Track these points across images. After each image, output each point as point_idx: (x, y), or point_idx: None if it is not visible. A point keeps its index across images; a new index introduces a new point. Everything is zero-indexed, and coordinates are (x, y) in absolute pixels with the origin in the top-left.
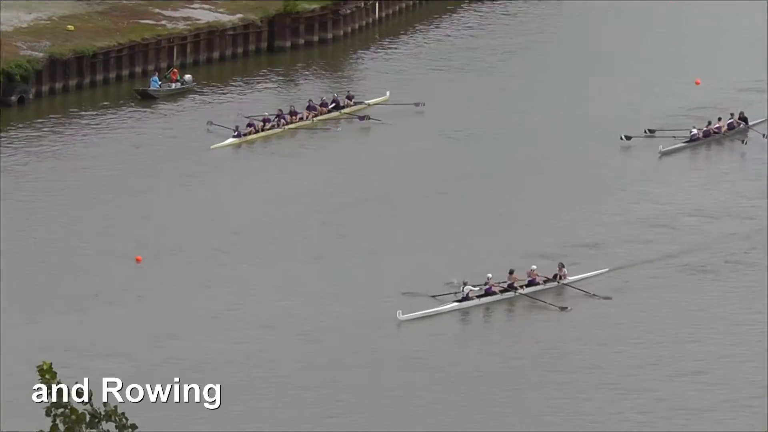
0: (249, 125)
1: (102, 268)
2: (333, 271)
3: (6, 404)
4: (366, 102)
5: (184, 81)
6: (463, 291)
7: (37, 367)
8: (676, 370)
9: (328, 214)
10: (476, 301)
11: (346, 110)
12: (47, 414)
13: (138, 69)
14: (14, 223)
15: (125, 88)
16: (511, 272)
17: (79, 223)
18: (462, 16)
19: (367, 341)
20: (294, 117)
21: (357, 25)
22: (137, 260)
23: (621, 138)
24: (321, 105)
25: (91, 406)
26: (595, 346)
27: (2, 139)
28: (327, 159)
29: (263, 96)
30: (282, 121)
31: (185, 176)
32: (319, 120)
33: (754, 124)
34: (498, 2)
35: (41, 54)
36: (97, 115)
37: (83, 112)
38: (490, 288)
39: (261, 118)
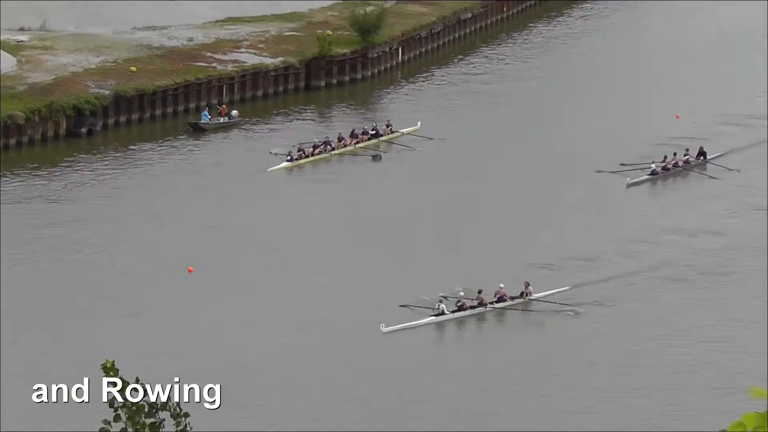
0: (299, 150)
1: (158, 277)
2: (334, 284)
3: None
4: (401, 131)
5: (232, 116)
6: (438, 308)
7: (101, 364)
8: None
9: (358, 232)
10: (450, 316)
11: (384, 138)
12: (110, 405)
13: (191, 105)
14: (88, 237)
15: (180, 122)
16: (479, 291)
17: (141, 237)
18: (472, 60)
19: (354, 347)
20: (339, 143)
21: (383, 67)
22: (189, 270)
23: (596, 171)
24: (362, 133)
25: (148, 397)
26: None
27: (74, 166)
28: (363, 182)
29: (301, 128)
30: (329, 147)
31: (239, 196)
32: (360, 147)
33: (712, 158)
34: (503, 46)
35: (107, 92)
36: (155, 144)
37: (144, 142)
38: (463, 304)
39: (311, 144)
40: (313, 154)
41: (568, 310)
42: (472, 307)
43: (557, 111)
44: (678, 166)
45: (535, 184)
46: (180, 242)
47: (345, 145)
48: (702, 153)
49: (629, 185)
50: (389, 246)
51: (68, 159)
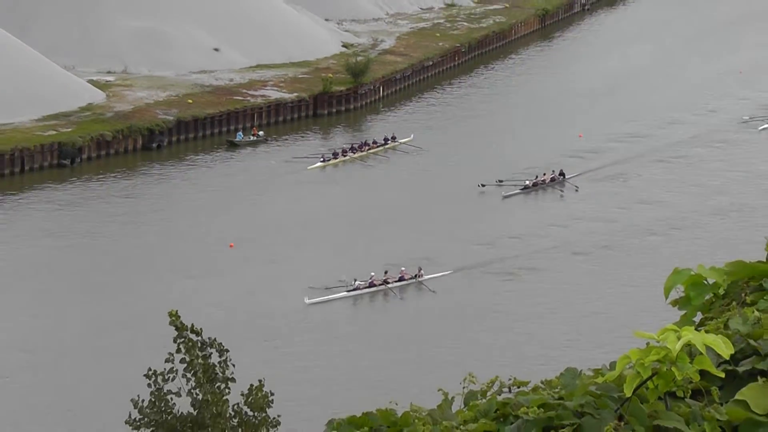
0: (334, 154)
1: (208, 251)
2: (310, 261)
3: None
4: (400, 141)
5: (259, 135)
6: (353, 284)
7: (168, 312)
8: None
9: (347, 218)
10: (361, 291)
11: (389, 146)
12: (174, 341)
13: (231, 127)
14: (155, 222)
15: (221, 139)
16: (385, 272)
17: (195, 222)
18: (432, 96)
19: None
20: (358, 150)
21: (369, 100)
22: (230, 246)
23: (478, 185)
24: (373, 143)
25: (200, 335)
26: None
27: (147, 171)
28: (366, 179)
29: (310, 143)
30: (350, 153)
31: (266, 192)
32: (371, 152)
33: (570, 177)
34: (455, 85)
35: (171, 117)
36: (204, 155)
37: (197, 153)
38: (372, 282)
39: (340, 150)
40: (337, 157)
41: (430, 289)
42: (379, 284)
43: (488, 133)
44: (544, 183)
45: (447, 193)
46: (223, 225)
47: (362, 151)
48: (562, 173)
49: (504, 197)
50: (347, 231)
51: (142, 166)
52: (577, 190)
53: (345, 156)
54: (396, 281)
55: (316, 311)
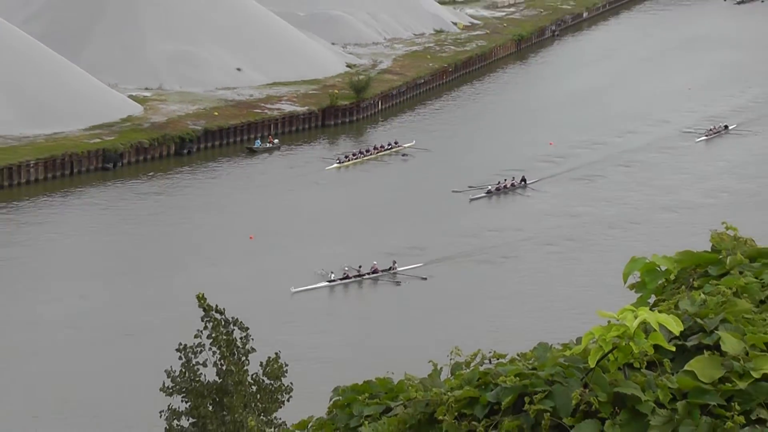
0: (346, 156)
1: (229, 242)
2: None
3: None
4: (404, 145)
5: (275, 143)
6: (330, 276)
7: (196, 295)
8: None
9: (349, 215)
10: (338, 283)
11: (394, 149)
12: (201, 320)
13: (251, 136)
14: (184, 216)
15: (242, 147)
16: (359, 266)
17: (218, 216)
18: (423, 108)
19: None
20: (368, 153)
21: (369, 113)
22: (250, 238)
23: (452, 191)
24: (381, 146)
25: (223, 314)
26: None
27: (178, 173)
28: (375, 179)
29: (320, 149)
30: (361, 155)
31: (281, 190)
32: (380, 155)
33: (531, 183)
34: (442, 99)
35: (199, 127)
36: (228, 159)
37: (221, 158)
38: (347, 275)
39: (352, 153)
40: (350, 159)
41: (421, 276)
42: (354, 276)
43: (471, 141)
44: (507, 188)
45: (421, 196)
46: (244, 220)
47: (371, 154)
48: (523, 179)
49: (471, 200)
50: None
51: (175, 169)
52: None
53: (356, 158)
54: (370, 273)
55: (316, 297)
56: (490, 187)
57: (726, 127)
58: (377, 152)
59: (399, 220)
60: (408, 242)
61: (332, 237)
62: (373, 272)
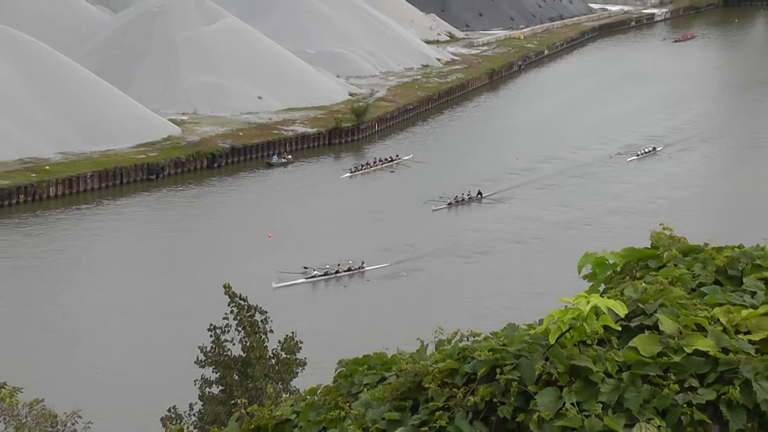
0: (356, 168)
1: (251, 241)
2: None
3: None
4: (403, 157)
5: (289, 158)
6: (310, 272)
7: (224, 284)
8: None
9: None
10: (318, 279)
11: (395, 162)
12: (228, 305)
13: (270, 152)
14: (213, 219)
15: (262, 161)
16: (338, 264)
17: (243, 217)
18: (413, 129)
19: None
20: (375, 164)
21: (367, 133)
22: (269, 237)
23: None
24: (385, 159)
25: (246, 301)
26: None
27: (210, 183)
28: (371, 188)
29: (326, 164)
30: (368, 166)
31: (295, 197)
32: (384, 166)
33: (487, 195)
34: (429, 121)
35: (227, 145)
36: (250, 172)
37: (245, 171)
38: (326, 272)
39: (362, 164)
40: (359, 170)
41: (401, 273)
42: (332, 273)
43: (450, 157)
44: (464, 200)
45: (396, 206)
46: (264, 221)
47: (377, 165)
48: (479, 192)
49: (434, 210)
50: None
51: (207, 180)
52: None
53: (364, 169)
54: (345, 271)
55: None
56: (450, 199)
57: (654, 148)
58: (382, 164)
59: (383, 225)
60: (391, 243)
61: (330, 237)
62: (347, 270)
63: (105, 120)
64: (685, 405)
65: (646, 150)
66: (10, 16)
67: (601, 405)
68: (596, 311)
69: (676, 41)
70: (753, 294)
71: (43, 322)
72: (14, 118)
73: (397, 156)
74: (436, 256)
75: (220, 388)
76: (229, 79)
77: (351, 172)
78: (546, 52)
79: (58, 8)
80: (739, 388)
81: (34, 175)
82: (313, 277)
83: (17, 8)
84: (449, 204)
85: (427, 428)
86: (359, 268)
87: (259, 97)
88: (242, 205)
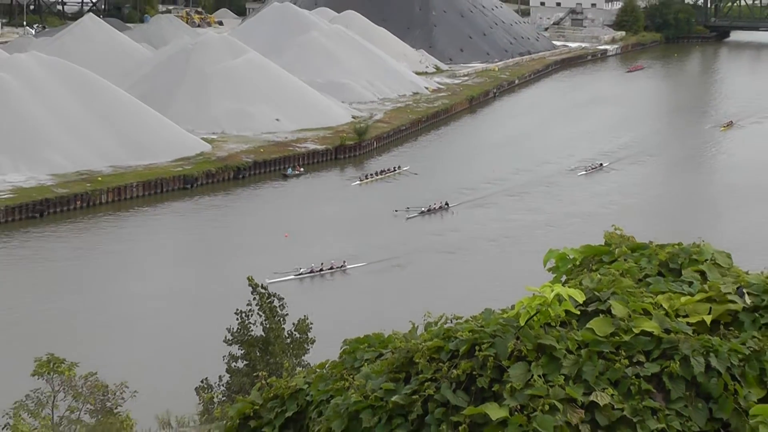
0: (365, 176)
1: (269, 239)
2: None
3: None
4: (403, 168)
5: (301, 170)
6: (299, 271)
7: (247, 277)
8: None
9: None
10: (305, 276)
11: (396, 172)
12: (251, 294)
13: (285, 166)
14: (236, 221)
15: (278, 173)
16: (322, 263)
17: (262, 220)
18: (405, 147)
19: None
20: (379, 174)
21: (367, 150)
22: (285, 236)
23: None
24: (387, 170)
25: (266, 290)
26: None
27: (237, 191)
28: (379, 192)
29: (333, 175)
30: (375, 176)
31: (307, 202)
32: (387, 175)
33: (453, 206)
34: (420, 140)
35: (250, 160)
36: (270, 182)
37: (265, 181)
38: (312, 270)
39: (368, 174)
40: (367, 178)
41: (396, 265)
42: (317, 271)
43: (436, 169)
44: (435, 210)
45: (380, 213)
46: (282, 223)
47: (380, 175)
48: (446, 203)
49: (407, 219)
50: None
51: (233, 189)
52: (448, 207)
53: (371, 178)
54: (328, 269)
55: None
56: (422, 208)
57: (601, 164)
58: (384, 174)
59: (369, 229)
60: (375, 244)
61: (329, 238)
62: (330, 268)
63: (148, 138)
64: (633, 377)
65: (594, 166)
66: (74, 54)
67: (563, 377)
68: (559, 298)
69: (628, 71)
70: (690, 284)
71: (95, 307)
72: (73, 136)
73: (398, 167)
74: (420, 253)
75: (245, 362)
76: (251, 105)
77: (360, 180)
78: (516, 82)
79: (111, 47)
80: (678, 362)
81: (89, 184)
82: (300, 274)
83: (79, 48)
84: (421, 213)
85: (417, 396)
86: (341, 266)
87: (277, 120)
88: (262, 210)
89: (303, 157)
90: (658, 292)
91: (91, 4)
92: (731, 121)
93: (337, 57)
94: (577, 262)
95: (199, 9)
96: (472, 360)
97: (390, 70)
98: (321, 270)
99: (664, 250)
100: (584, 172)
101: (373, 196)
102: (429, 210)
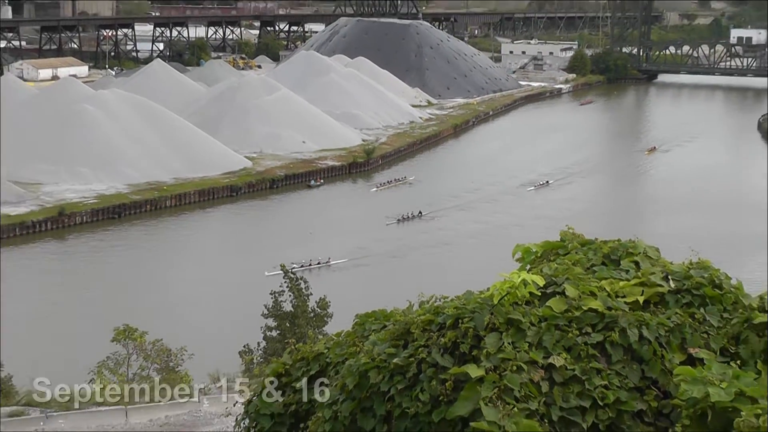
0: (381, 184)
1: (296, 237)
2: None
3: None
4: (408, 178)
5: (321, 182)
6: (296, 266)
7: (280, 265)
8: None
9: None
10: (296, 269)
11: (404, 181)
12: (283, 278)
13: (310, 178)
14: (276, 221)
15: (305, 184)
16: (311, 260)
17: (290, 221)
18: (408, 163)
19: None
20: (390, 183)
21: (374, 165)
22: (310, 233)
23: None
24: (396, 179)
25: (296, 276)
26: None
27: (273, 197)
28: (389, 197)
29: (348, 185)
30: (388, 184)
31: (328, 205)
32: (398, 184)
33: (425, 214)
34: (418, 158)
35: (282, 173)
36: (298, 191)
37: (293, 190)
38: (310, 264)
39: (382, 182)
40: (384, 185)
41: (395, 255)
42: (311, 265)
43: (425, 180)
44: (413, 217)
45: (383, 215)
46: (308, 222)
47: (392, 183)
48: (420, 212)
49: (387, 225)
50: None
51: (269, 196)
52: (421, 216)
53: (385, 186)
54: (316, 264)
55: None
56: (400, 216)
57: (547, 181)
58: (395, 183)
59: (363, 230)
60: (380, 237)
61: (335, 236)
62: (317, 264)
63: (202, 156)
64: (583, 344)
65: (542, 183)
66: (145, 91)
67: (528, 344)
68: (524, 282)
69: (581, 104)
70: (627, 272)
71: (160, 287)
72: (144, 154)
73: (405, 177)
74: (412, 249)
75: (277, 332)
76: (283, 130)
77: (377, 187)
78: (491, 113)
79: (174, 85)
80: (618, 333)
81: (156, 192)
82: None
83: (149, 86)
84: (398, 221)
85: (413, 359)
86: (327, 262)
87: (303, 142)
88: (291, 212)
89: (323, 172)
90: (602, 278)
91: (158, 52)
92: (654, 147)
93: (350, 93)
94: (539, 254)
95: (243, 55)
96: (456, 330)
97: (391, 104)
98: (310, 264)
99: (606, 245)
100: (533, 188)
101: (380, 202)
102: (405, 218)
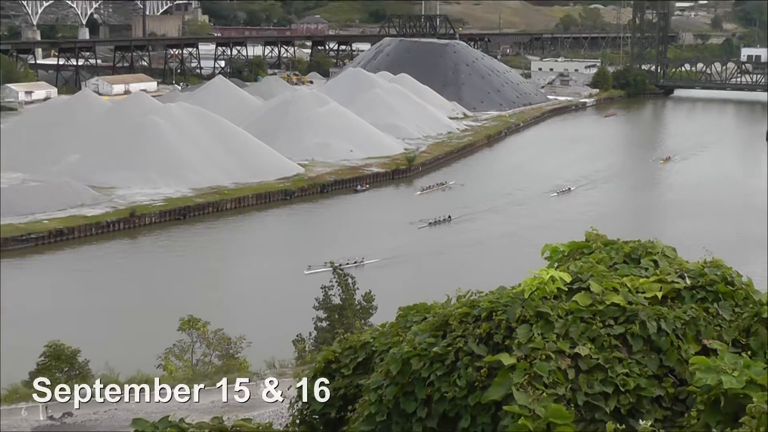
0: (425, 188)
1: (344, 234)
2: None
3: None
4: (450, 182)
5: (367, 187)
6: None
7: (329, 261)
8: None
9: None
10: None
11: (439, 187)
12: (332, 273)
13: (357, 183)
14: (323, 222)
15: (351, 188)
16: (348, 260)
17: (341, 221)
18: (445, 169)
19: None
20: (433, 187)
21: (415, 172)
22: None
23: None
24: (437, 184)
25: (344, 272)
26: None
27: (322, 201)
28: (427, 201)
29: (390, 190)
30: (429, 188)
31: (370, 209)
32: (438, 188)
33: (454, 218)
34: (451, 165)
35: (332, 179)
36: (345, 195)
37: (341, 195)
38: (347, 263)
39: (426, 186)
40: (426, 189)
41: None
42: (345, 265)
43: (463, 186)
44: (439, 222)
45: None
46: (352, 223)
47: (431, 189)
48: (449, 216)
49: (419, 228)
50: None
51: (319, 199)
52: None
53: (428, 190)
54: (352, 264)
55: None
56: (431, 220)
57: (569, 188)
58: (436, 187)
59: (397, 233)
60: (418, 238)
61: (373, 236)
62: (354, 263)
63: (260, 163)
64: (606, 335)
65: (563, 189)
66: (208, 104)
67: (556, 335)
68: (552, 279)
69: (605, 116)
70: (646, 269)
71: (220, 282)
72: (207, 161)
73: (446, 182)
74: (452, 248)
75: (327, 323)
76: (332, 140)
77: (421, 191)
78: (521, 125)
79: (234, 99)
80: (638, 325)
81: (217, 195)
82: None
83: (211, 100)
84: (430, 224)
85: (451, 348)
86: (361, 261)
87: (351, 151)
88: (339, 213)
89: (369, 177)
90: (623, 275)
91: (220, 69)
92: (669, 156)
93: (393, 106)
94: (566, 253)
95: (296, 72)
96: (490, 322)
97: (431, 116)
98: (347, 264)
99: (627, 245)
100: (555, 194)
101: (420, 205)
102: (436, 222)
